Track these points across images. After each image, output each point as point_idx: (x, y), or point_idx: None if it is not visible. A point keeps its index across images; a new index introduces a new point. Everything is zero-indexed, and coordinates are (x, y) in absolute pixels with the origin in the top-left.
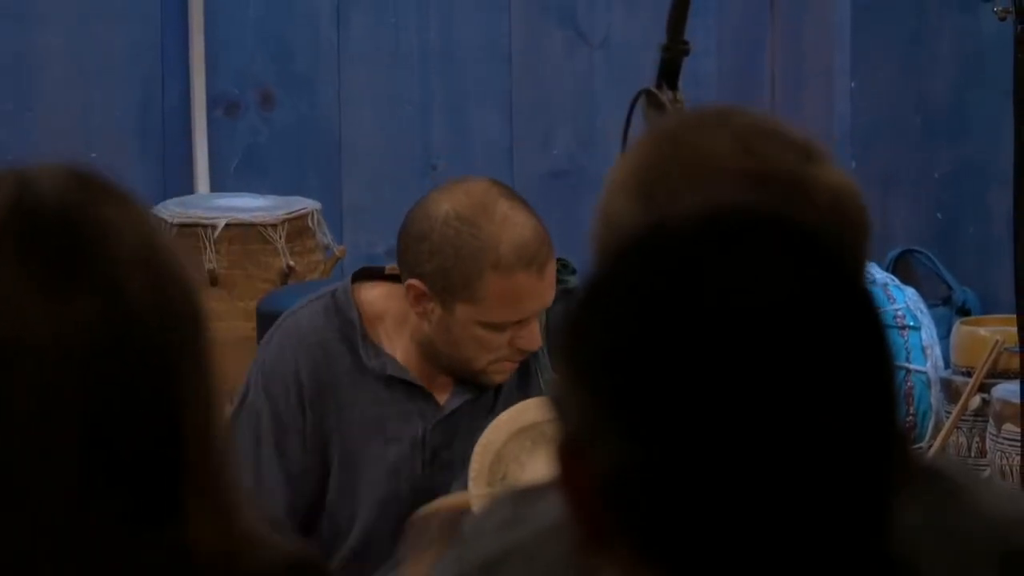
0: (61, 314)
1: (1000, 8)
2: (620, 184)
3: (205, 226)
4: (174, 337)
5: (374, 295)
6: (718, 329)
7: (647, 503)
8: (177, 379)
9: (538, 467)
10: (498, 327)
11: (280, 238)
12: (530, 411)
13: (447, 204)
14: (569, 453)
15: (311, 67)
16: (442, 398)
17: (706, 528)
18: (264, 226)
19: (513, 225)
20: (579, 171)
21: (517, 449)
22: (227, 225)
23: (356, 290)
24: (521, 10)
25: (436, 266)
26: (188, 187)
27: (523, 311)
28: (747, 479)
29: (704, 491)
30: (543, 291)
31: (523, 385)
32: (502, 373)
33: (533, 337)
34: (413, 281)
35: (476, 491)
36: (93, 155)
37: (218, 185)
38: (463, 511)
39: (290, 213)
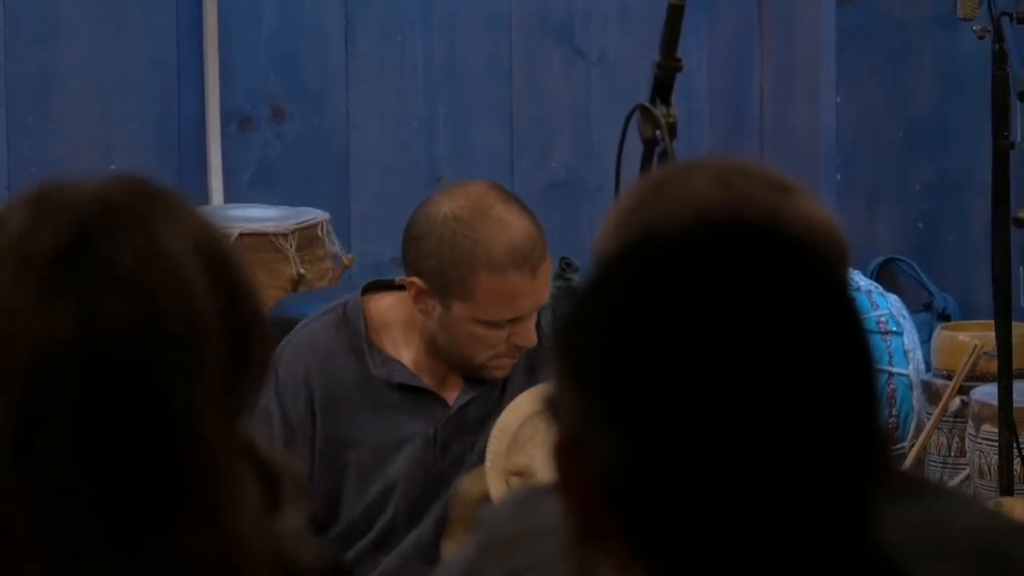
0: (44, 327)
1: (979, 27)
2: (609, 225)
3: None
4: (160, 356)
5: (383, 305)
6: (707, 331)
7: (641, 500)
8: (164, 395)
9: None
10: (494, 324)
11: (291, 247)
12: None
13: (446, 206)
14: (565, 452)
15: (321, 83)
16: (451, 397)
17: (696, 524)
18: (276, 235)
19: (507, 227)
20: (577, 182)
21: (532, 430)
22: (240, 235)
23: (366, 301)
24: (521, 29)
25: (434, 265)
26: (203, 198)
27: (517, 310)
28: (735, 477)
29: (694, 488)
30: (536, 291)
31: (531, 379)
32: (501, 369)
33: (529, 334)
34: (414, 279)
35: (493, 472)
36: (112, 167)
37: (232, 196)
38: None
39: (300, 223)
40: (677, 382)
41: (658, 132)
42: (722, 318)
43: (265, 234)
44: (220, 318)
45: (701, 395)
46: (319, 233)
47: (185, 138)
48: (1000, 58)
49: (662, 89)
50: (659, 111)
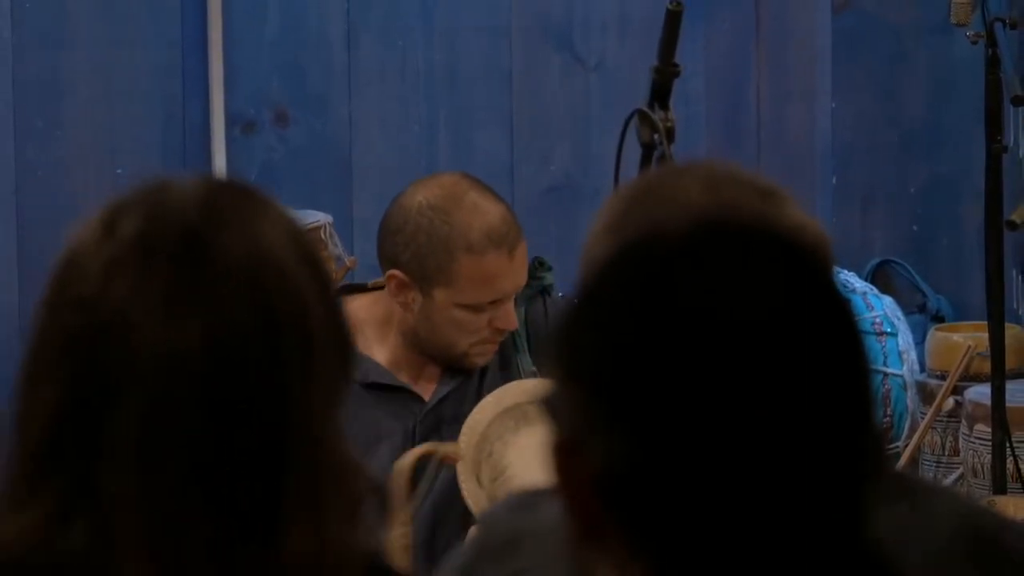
0: (170, 333)
1: (972, 33)
2: (598, 230)
3: None
4: (280, 357)
5: (355, 306)
6: (706, 332)
7: (640, 500)
8: (283, 397)
9: (521, 444)
10: (475, 308)
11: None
12: (512, 393)
13: (420, 196)
14: (564, 452)
15: (324, 88)
16: (428, 392)
17: (695, 524)
18: None
19: (482, 211)
20: (576, 186)
21: (501, 429)
22: None
23: None
24: (521, 35)
25: (412, 254)
26: None
27: (497, 291)
28: (734, 477)
29: (694, 488)
30: (514, 271)
31: (504, 371)
32: (483, 355)
33: (509, 316)
34: (393, 271)
35: (463, 471)
36: (119, 171)
37: None
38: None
39: (303, 226)
40: (677, 383)
41: (656, 136)
42: (722, 319)
43: None
44: (323, 317)
45: (700, 396)
46: (322, 235)
47: (190, 142)
48: (993, 63)
49: (660, 94)
50: (657, 116)
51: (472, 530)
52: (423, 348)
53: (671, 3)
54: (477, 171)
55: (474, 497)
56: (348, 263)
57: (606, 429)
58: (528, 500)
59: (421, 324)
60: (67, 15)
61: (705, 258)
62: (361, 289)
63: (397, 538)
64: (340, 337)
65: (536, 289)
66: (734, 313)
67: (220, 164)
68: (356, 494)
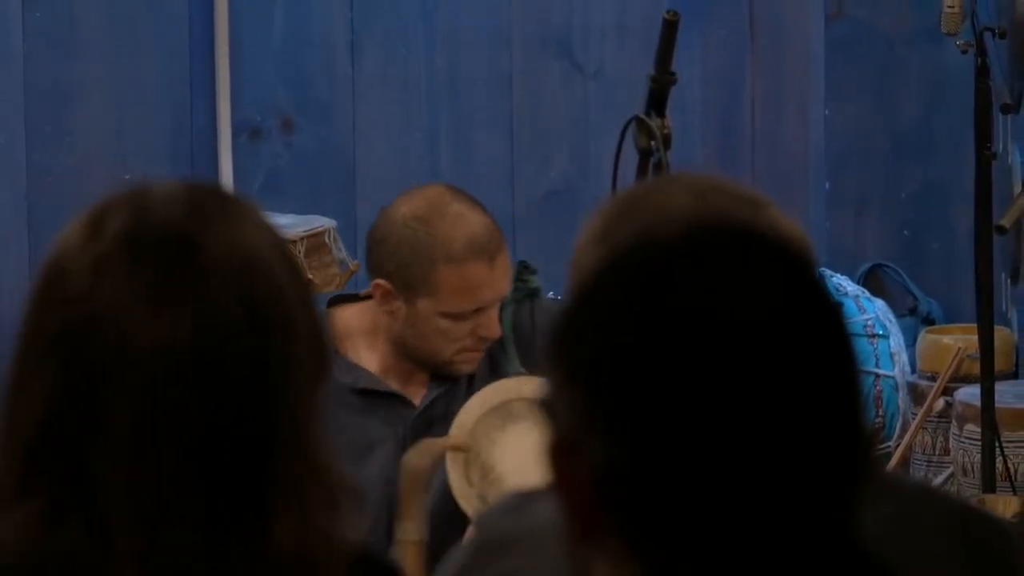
0: (160, 327)
1: (962, 42)
2: (586, 240)
3: None
4: (265, 352)
5: (347, 315)
6: (704, 333)
7: (637, 499)
8: (269, 391)
9: (509, 442)
10: (458, 316)
11: (299, 253)
12: (497, 391)
13: (404, 208)
14: (561, 451)
15: (328, 96)
16: (417, 397)
17: (692, 523)
18: None
19: (463, 221)
20: (575, 192)
21: (488, 427)
22: None
23: (331, 314)
24: (522, 43)
25: (396, 264)
26: None
27: (479, 300)
28: (730, 476)
29: (690, 488)
30: (496, 280)
31: (493, 376)
32: (469, 363)
33: (493, 324)
34: (379, 280)
35: (453, 469)
36: (127, 177)
37: None
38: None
39: (308, 230)
40: (674, 383)
41: (653, 143)
42: (721, 319)
43: None
44: (304, 316)
45: (698, 395)
46: (326, 240)
47: (197, 148)
48: (983, 72)
49: (657, 101)
50: (654, 123)
51: (469, 531)
52: (410, 355)
53: (667, 12)
54: (478, 176)
55: (464, 496)
56: (352, 267)
57: (605, 429)
58: (523, 500)
59: (407, 332)
60: (76, 23)
61: (703, 259)
62: (352, 299)
63: (409, 533)
64: (318, 336)
65: (523, 293)
66: (733, 313)
67: (226, 170)
68: (336, 486)
